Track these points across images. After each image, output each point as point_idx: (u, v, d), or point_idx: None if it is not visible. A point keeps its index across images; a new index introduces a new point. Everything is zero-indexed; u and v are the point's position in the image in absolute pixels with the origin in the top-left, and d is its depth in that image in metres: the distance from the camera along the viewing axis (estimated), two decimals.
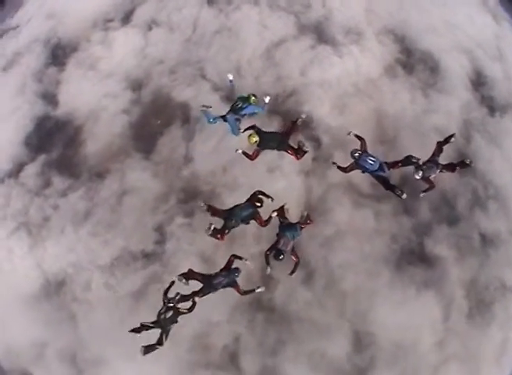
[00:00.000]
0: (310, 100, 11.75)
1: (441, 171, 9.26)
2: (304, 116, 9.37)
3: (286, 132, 9.36)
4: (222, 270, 8.68)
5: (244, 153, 9.04)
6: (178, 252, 10.88)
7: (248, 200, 8.91)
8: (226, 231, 8.70)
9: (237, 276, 8.67)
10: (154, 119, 11.84)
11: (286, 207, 8.94)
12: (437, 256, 11.32)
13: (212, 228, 8.56)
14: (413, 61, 12.86)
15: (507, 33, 13.82)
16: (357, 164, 8.92)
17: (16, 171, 12.22)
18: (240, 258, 8.83)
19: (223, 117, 9.36)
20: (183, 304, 8.59)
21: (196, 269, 8.86)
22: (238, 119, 9.45)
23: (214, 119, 9.40)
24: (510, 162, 12.24)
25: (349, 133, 9.08)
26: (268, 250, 8.83)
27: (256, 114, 9.51)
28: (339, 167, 9.16)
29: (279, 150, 9.33)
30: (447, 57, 13.02)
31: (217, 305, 10.09)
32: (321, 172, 11.07)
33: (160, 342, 8.47)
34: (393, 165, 9.14)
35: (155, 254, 11.04)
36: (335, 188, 11.30)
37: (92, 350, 10.98)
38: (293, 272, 9.13)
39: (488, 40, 13.50)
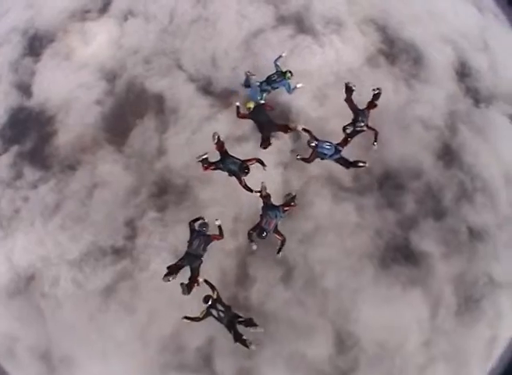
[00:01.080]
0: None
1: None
2: (299, 128, 9.60)
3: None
4: (189, 239, 8.47)
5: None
6: (149, 248, 9.67)
7: (242, 161, 8.89)
8: (212, 167, 8.96)
9: (206, 230, 8.52)
10: (132, 117, 10.74)
11: (263, 185, 8.85)
12: (423, 252, 10.21)
13: (205, 157, 8.86)
14: (395, 51, 11.71)
15: (492, 24, 12.70)
16: (317, 152, 9.10)
17: None
18: (197, 219, 8.71)
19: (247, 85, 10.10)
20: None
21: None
22: (266, 90, 9.99)
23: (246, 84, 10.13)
24: (497, 154, 11.13)
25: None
26: (251, 229, 8.74)
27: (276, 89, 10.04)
28: (302, 159, 9.41)
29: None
30: (431, 47, 11.89)
31: (188, 303, 8.98)
32: (300, 164, 9.79)
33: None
34: (344, 142, 9.42)
35: (125, 249, 9.82)
36: (314, 181, 10.12)
37: (61, 348, 9.88)
38: (279, 250, 8.99)
39: (473, 30, 12.38)
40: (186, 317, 8.45)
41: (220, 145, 9.04)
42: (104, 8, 12.04)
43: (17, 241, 10.39)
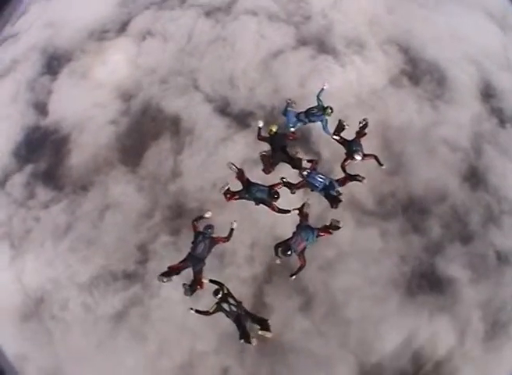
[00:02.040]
0: None
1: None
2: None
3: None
4: (194, 241, 7.39)
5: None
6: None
7: (269, 187, 7.80)
8: (236, 197, 7.83)
9: (211, 232, 7.37)
10: (147, 138, 9.97)
11: (308, 202, 7.81)
12: (450, 277, 9.18)
13: (227, 188, 7.75)
14: (419, 72, 10.81)
15: None
16: (307, 182, 7.99)
17: (3, 180, 10.39)
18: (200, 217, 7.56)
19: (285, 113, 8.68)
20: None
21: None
22: (303, 121, 8.70)
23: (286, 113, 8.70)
24: None
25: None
26: (278, 243, 7.61)
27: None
28: (287, 184, 8.05)
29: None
30: (454, 67, 10.99)
31: (202, 333, 8.06)
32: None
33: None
34: (344, 181, 8.16)
35: (137, 274, 8.97)
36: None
37: (69, 372, 8.98)
38: (294, 274, 7.58)
39: (496, 50, 11.46)
40: (196, 310, 7.04)
41: (240, 175, 7.99)
42: (122, 28, 11.41)
43: (27, 262, 9.57)
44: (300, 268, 7.63)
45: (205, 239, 7.33)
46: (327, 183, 7.86)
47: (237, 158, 8.81)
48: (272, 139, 8.54)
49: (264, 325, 7.26)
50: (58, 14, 12.07)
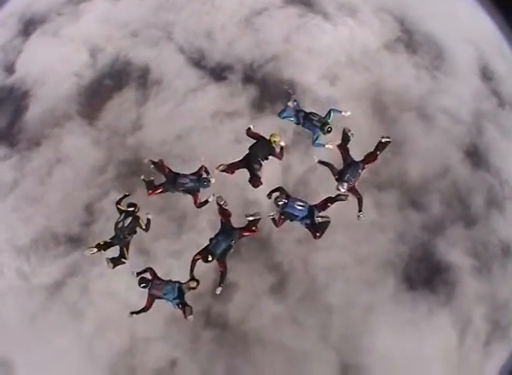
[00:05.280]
0: (293, 65, 7.14)
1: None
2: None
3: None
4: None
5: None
6: (105, 236, 6.37)
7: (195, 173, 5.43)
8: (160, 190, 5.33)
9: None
10: (111, 90, 7.48)
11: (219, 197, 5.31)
12: (451, 263, 6.56)
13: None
14: (415, 42, 8.29)
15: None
16: (286, 213, 5.20)
17: None
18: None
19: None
20: None
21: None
22: (296, 119, 5.86)
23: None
24: None
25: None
26: (198, 253, 5.04)
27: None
28: (273, 219, 5.26)
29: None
30: (452, 43, 8.50)
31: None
32: (305, 147, 6.57)
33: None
34: (323, 205, 5.32)
35: (80, 239, 6.35)
36: (321, 168, 6.76)
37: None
38: (219, 284, 5.10)
39: (492, 36, 9.04)
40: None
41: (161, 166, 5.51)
42: None
43: None
44: (222, 276, 5.20)
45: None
46: (307, 212, 5.27)
47: (208, 109, 6.42)
48: (254, 144, 5.68)
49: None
50: None
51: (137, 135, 6.75)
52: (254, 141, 5.36)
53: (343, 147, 5.58)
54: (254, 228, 5.25)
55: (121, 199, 5.37)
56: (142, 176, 5.29)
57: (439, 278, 6.49)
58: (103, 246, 5.15)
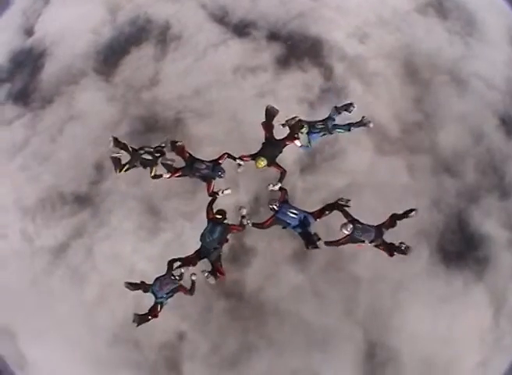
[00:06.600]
0: (320, 23, 6.17)
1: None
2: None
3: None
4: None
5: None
6: (114, 195, 5.44)
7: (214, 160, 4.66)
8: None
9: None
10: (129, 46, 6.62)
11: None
12: (487, 235, 5.58)
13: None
14: (446, 8, 7.22)
15: None
16: (277, 218, 4.55)
17: None
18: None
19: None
20: None
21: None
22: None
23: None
24: None
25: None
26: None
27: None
28: (254, 224, 4.50)
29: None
30: (483, 12, 7.43)
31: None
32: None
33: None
34: (320, 213, 4.56)
35: (87, 198, 5.53)
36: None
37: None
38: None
39: None
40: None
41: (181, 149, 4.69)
42: None
43: None
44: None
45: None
46: (301, 219, 4.59)
47: (229, 64, 5.56)
48: (266, 141, 4.75)
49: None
50: None
51: (154, 91, 5.92)
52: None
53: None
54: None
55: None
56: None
57: (473, 251, 5.48)
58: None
